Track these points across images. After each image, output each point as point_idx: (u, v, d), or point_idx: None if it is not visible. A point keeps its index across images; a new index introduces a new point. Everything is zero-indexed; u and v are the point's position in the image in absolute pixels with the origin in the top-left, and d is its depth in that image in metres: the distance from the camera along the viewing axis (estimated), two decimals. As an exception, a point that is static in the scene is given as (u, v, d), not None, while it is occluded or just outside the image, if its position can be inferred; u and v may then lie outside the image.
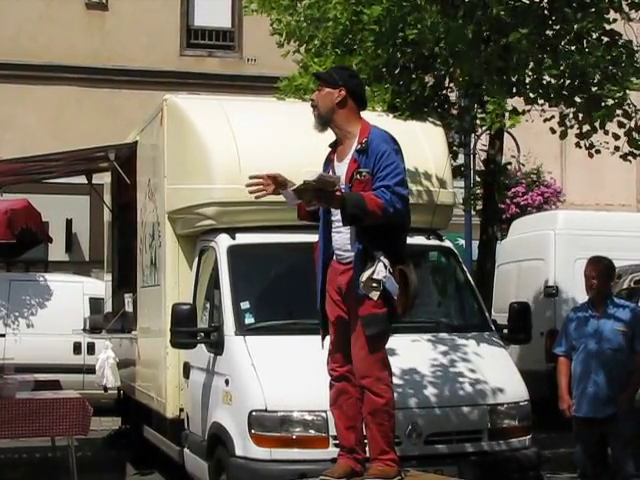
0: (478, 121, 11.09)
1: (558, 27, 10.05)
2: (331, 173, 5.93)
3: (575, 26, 9.79)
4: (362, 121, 6.04)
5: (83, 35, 22.91)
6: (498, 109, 9.31)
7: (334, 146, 6.09)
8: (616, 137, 10.78)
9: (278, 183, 5.83)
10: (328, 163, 6.07)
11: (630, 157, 10.99)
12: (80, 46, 22.67)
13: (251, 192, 5.87)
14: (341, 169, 5.93)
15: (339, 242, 5.94)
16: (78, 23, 23.02)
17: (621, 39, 10.29)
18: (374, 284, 5.71)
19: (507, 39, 9.20)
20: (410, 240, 6.08)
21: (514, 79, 10.00)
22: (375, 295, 5.72)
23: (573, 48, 9.99)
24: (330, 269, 6.00)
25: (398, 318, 5.91)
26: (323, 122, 6.01)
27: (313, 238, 7.02)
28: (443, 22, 9.10)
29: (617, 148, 10.93)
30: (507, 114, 9.75)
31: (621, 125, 10.71)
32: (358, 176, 5.81)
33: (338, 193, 5.63)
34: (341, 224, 5.87)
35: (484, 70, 9.49)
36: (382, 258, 5.75)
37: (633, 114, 10.65)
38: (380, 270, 5.71)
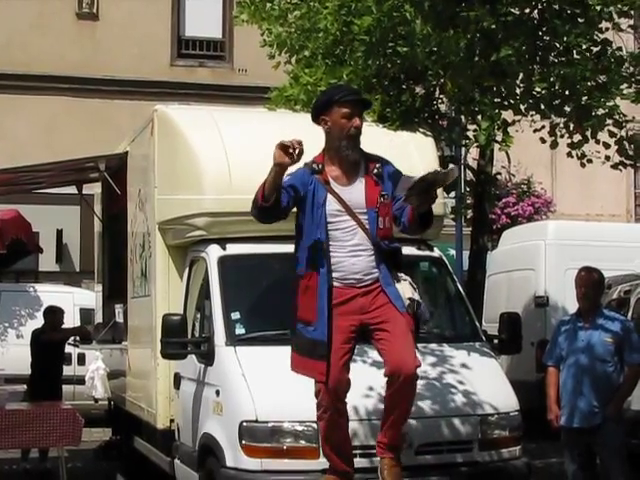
0: (470, 134, 11.11)
1: (548, 39, 10.08)
2: (330, 197, 5.86)
3: (565, 38, 9.83)
4: None
5: (74, 45, 22.92)
6: (490, 128, 9.34)
7: (320, 168, 5.96)
8: (607, 146, 10.82)
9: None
10: (315, 184, 5.90)
11: (620, 167, 11.02)
12: (71, 56, 22.68)
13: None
14: (352, 193, 5.89)
15: (358, 266, 5.88)
16: (69, 33, 23.04)
17: (611, 48, 10.32)
18: (413, 302, 5.87)
19: (499, 53, 9.21)
20: (401, 251, 6.13)
21: (505, 92, 10.02)
22: (413, 312, 5.88)
23: (563, 59, 10.02)
24: (337, 297, 5.90)
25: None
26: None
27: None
28: (435, 35, 9.12)
29: (608, 158, 10.96)
30: (500, 130, 9.77)
31: (612, 135, 10.74)
32: (382, 199, 5.85)
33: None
34: (360, 247, 5.84)
35: (476, 85, 9.51)
36: (407, 277, 5.93)
37: (624, 124, 10.69)
38: (414, 291, 5.90)
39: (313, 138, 8.35)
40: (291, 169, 5.80)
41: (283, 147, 5.59)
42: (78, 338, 13.65)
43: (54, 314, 12.79)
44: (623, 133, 10.77)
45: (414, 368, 5.77)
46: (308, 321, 5.86)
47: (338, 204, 5.87)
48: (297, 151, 5.57)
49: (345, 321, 5.85)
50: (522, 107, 10.24)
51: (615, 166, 11.01)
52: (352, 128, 5.89)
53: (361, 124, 5.94)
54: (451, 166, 5.89)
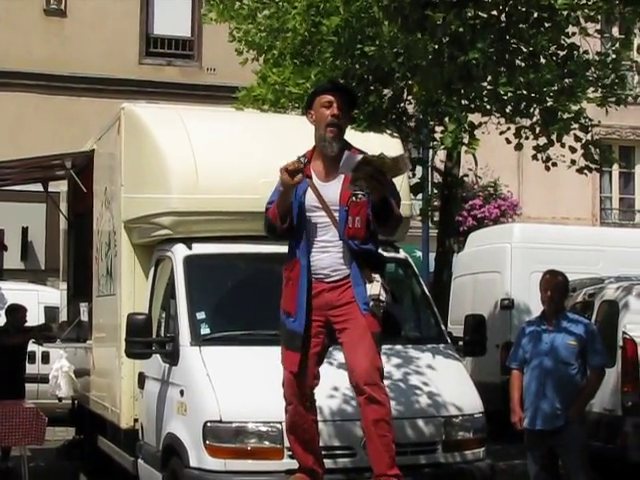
0: (437, 136, 11.14)
1: (515, 42, 10.13)
2: (310, 191, 5.86)
3: (531, 41, 9.88)
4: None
5: (41, 41, 22.80)
6: (458, 131, 9.36)
7: (305, 162, 5.95)
8: (573, 150, 10.88)
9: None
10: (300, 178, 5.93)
11: (586, 171, 11.08)
12: (38, 52, 22.56)
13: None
14: (329, 189, 5.87)
15: (326, 261, 5.88)
16: (36, 29, 22.91)
17: (577, 52, 10.38)
18: (380, 304, 5.79)
19: (466, 56, 9.24)
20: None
21: (471, 95, 10.06)
22: (380, 313, 5.80)
23: (530, 63, 10.07)
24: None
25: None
26: (341, 145, 5.92)
27: (269, 249, 7.02)
28: (402, 37, 9.14)
29: (573, 162, 11.01)
30: (466, 133, 9.80)
31: (577, 139, 10.80)
32: (354, 198, 5.79)
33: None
34: (331, 244, 5.85)
35: (444, 89, 9.54)
36: (379, 279, 5.84)
37: (590, 128, 10.75)
38: (382, 293, 5.80)
39: (279, 137, 8.40)
40: None
41: (288, 171, 5.67)
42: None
43: (17, 312, 12.70)
44: (589, 137, 10.83)
45: (366, 370, 5.73)
46: (289, 312, 5.94)
47: (315, 199, 5.88)
48: (298, 171, 5.68)
49: (313, 316, 5.89)
50: (488, 107, 10.29)
51: (580, 170, 11.07)
52: (329, 116, 5.88)
53: (339, 113, 5.89)
54: (399, 153, 5.84)
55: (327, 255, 5.89)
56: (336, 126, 5.88)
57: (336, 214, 5.87)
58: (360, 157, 5.60)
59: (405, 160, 5.76)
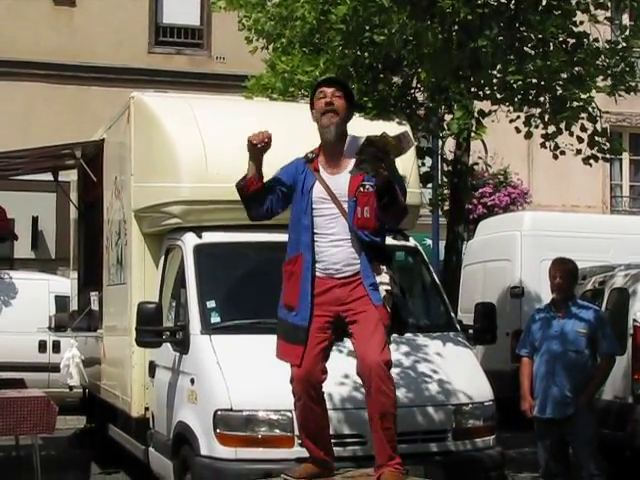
0: (445, 125, 11.12)
1: (524, 30, 10.10)
2: (318, 184, 5.88)
3: (540, 29, 9.85)
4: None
5: (50, 31, 22.79)
6: (465, 117, 9.35)
7: (313, 157, 5.99)
8: (580, 140, 10.85)
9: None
10: (306, 172, 5.93)
11: (592, 160, 11.05)
12: (47, 42, 22.55)
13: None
14: (338, 181, 5.88)
15: (339, 256, 5.86)
16: (45, 19, 22.91)
17: (587, 40, 10.34)
18: (387, 296, 5.79)
19: (475, 44, 9.23)
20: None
21: (480, 82, 10.05)
22: (390, 304, 5.80)
23: (539, 51, 10.04)
24: (317, 286, 5.88)
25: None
26: (340, 133, 5.92)
27: (279, 237, 7.01)
28: (411, 25, 9.12)
29: (579, 151, 10.99)
30: (474, 120, 9.80)
31: (584, 129, 10.77)
32: (362, 189, 5.79)
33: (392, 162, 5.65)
34: (341, 237, 5.84)
35: (452, 76, 9.53)
36: (388, 271, 5.84)
37: (598, 117, 10.72)
38: (393, 285, 5.82)
39: (288, 125, 8.39)
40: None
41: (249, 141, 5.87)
42: (53, 325, 13.61)
43: None
44: (598, 126, 10.81)
45: (376, 362, 5.69)
46: (291, 307, 5.89)
47: (324, 191, 5.88)
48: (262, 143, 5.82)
49: (321, 311, 5.85)
50: (498, 96, 10.27)
51: (587, 159, 11.05)
52: (323, 104, 5.92)
53: (332, 99, 5.90)
54: (402, 130, 5.84)
55: (339, 250, 5.86)
56: (330, 111, 5.89)
57: (345, 205, 5.86)
58: (363, 139, 5.62)
59: (408, 137, 5.73)
